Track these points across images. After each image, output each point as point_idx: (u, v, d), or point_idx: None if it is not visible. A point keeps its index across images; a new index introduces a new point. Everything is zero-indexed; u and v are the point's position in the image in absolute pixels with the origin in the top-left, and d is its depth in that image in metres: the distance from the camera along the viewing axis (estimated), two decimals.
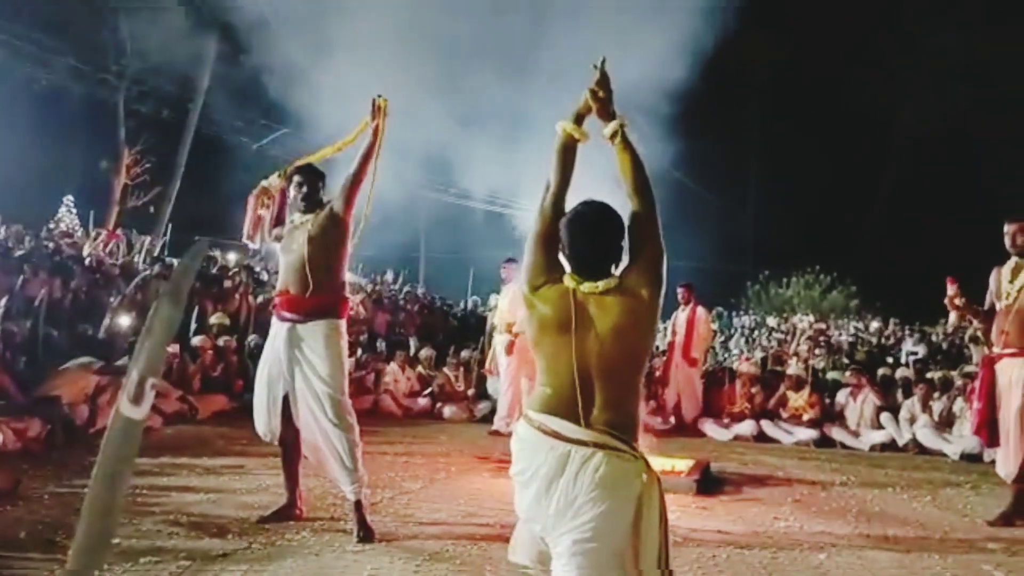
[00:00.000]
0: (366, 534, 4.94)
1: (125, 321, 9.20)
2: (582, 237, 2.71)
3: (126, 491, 2.47)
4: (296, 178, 5.24)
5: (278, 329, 5.18)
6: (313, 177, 5.25)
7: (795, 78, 28.33)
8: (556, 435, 2.60)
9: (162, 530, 4.98)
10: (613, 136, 2.88)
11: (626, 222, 2.77)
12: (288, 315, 5.12)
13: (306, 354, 5.04)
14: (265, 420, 5.20)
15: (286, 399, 5.15)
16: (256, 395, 5.27)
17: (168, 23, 20.26)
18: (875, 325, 21.36)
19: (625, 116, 2.90)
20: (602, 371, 2.62)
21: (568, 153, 2.92)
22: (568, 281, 2.70)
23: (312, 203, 5.20)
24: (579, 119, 2.94)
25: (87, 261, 11.99)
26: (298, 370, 5.05)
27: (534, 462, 2.64)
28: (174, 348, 9.72)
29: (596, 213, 2.75)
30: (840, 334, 18.88)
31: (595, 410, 2.61)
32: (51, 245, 12.58)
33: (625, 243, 2.75)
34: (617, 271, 2.73)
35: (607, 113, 2.91)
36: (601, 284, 2.65)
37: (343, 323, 5.20)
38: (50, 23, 18.90)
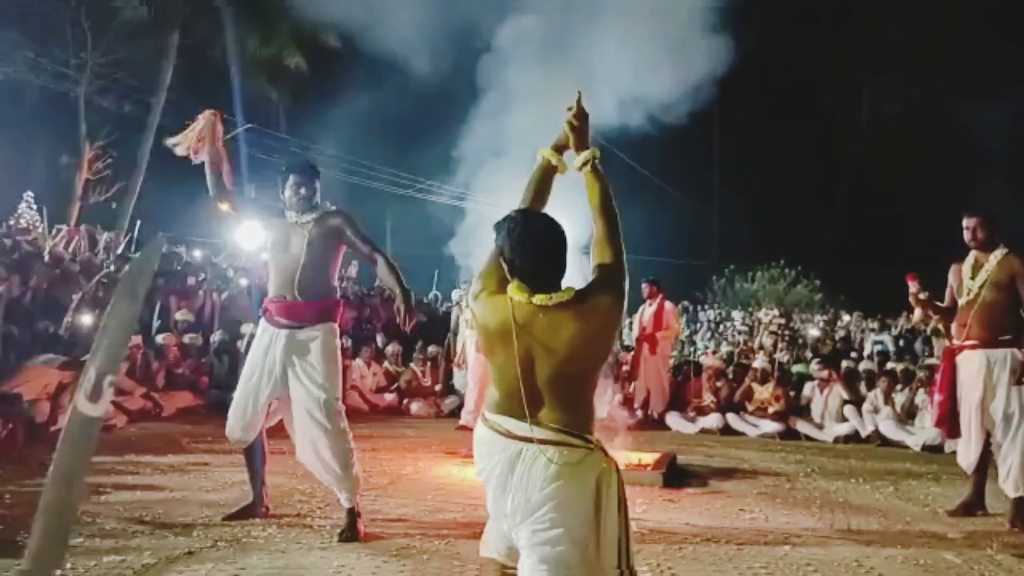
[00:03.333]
0: (352, 536, 4.90)
1: (86, 318, 9.07)
2: (529, 253, 2.64)
3: (83, 489, 2.44)
4: (293, 178, 5.04)
5: (272, 335, 5.04)
6: (312, 177, 5.08)
7: (757, 78, 28.59)
8: (508, 434, 2.64)
9: (126, 528, 4.93)
10: (584, 165, 2.97)
11: (592, 238, 2.84)
12: (285, 321, 5.01)
13: (306, 359, 4.96)
14: (242, 425, 5.09)
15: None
16: (237, 400, 5.12)
17: (130, 16, 19.98)
18: (845, 319, 21.54)
19: (597, 149, 2.98)
20: (553, 383, 2.62)
21: (544, 179, 3.03)
22: (512, 292, 2.66)
23: (310, 204, 5.05)
24: (559, 149, 3.06)
25: (47, 258, 11.79)
26: (294, 376, 4.97)
27: (490, 461, 2.68)
28: (136, 341, 9.61)
29: (542, 228, 2.71)
30: (805, 327, 19.02)
31: (545, 411, 2.63)
32: (10, 242, 12.35)
33: (570, 255, 2.73)
34: (567, 283, 2.70)
35: (582, 144, 3.01)
36: (555, 297, 2.61)
37: (337, 327, 5.16)
38: (9, 15, 18.54)
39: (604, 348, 2.74)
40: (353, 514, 4.99)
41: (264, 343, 5.07)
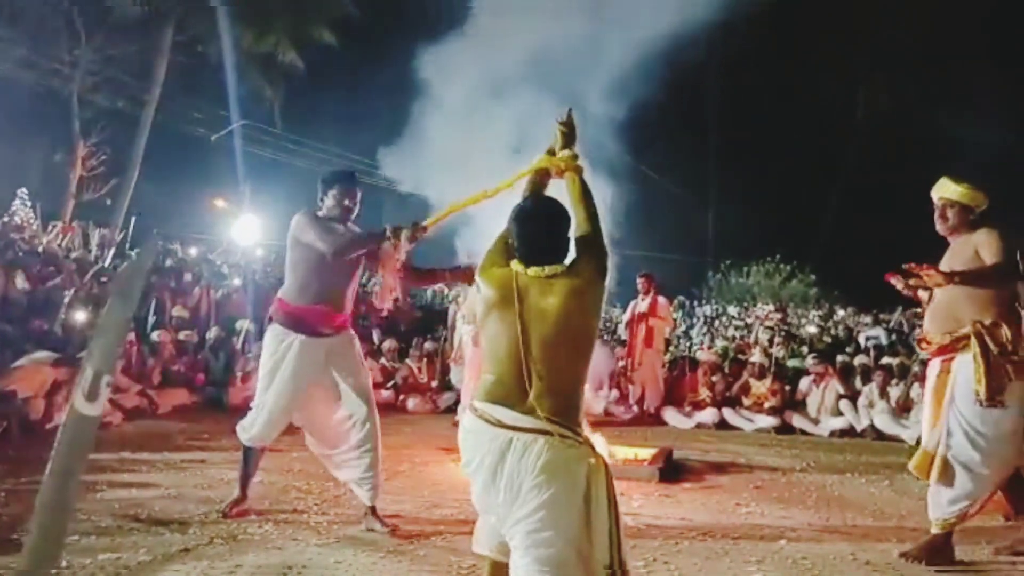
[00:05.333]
0: (392, 529, 4.97)
1: (80, 315, 9.06)
2: (530, 230, 2.88)
3: (80, 488, 2.44)
4: (339, 187, 4.98)
5: (308, 345, 4.92)
6: (358, 187, 5.06)
7: (752, 75, 28.61)
8: (498, 423, 2.65)
9: (122, 525, 4.93)
10: (566, 158, 3.32)
11: (573, 229, 3.00)
12: (327, 331, 4.96)
13: (347, 362, 5.00)
14: (267, 433, 5.08)
15: None
16: (271, 415, 5.01)
17: (123, 12, 19.92)
18: (840, 313, 21.60)
19: (579, 155, 3.35)
20: (544, 354, 2.68)
21: (540, 181, 3.31)
22: (515, 265, 2.84)
23: (355, 214, 5.03)
24: (552, 153, 3.38)
25: (41, 255, 11.76)
26: (340, 378, 4.98)
27: (478, 452, 2.69)
28: (130, 338, 9.59)
29: (543, 208, 2.98)
30: (801, 323, 19.05)
31: (536, 395, 2.65)
32: (3, 239, 12.33)
33: (571, 233, 2.95)
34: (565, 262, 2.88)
35: (568, 146, 3.38)
36: (547, 268, 2.78)
37: None
38: (1, 13, 18.47)
39: (589, 323, 2.83)
40: (375, 512, 5.06)
41: (298, 354, 4.94)
